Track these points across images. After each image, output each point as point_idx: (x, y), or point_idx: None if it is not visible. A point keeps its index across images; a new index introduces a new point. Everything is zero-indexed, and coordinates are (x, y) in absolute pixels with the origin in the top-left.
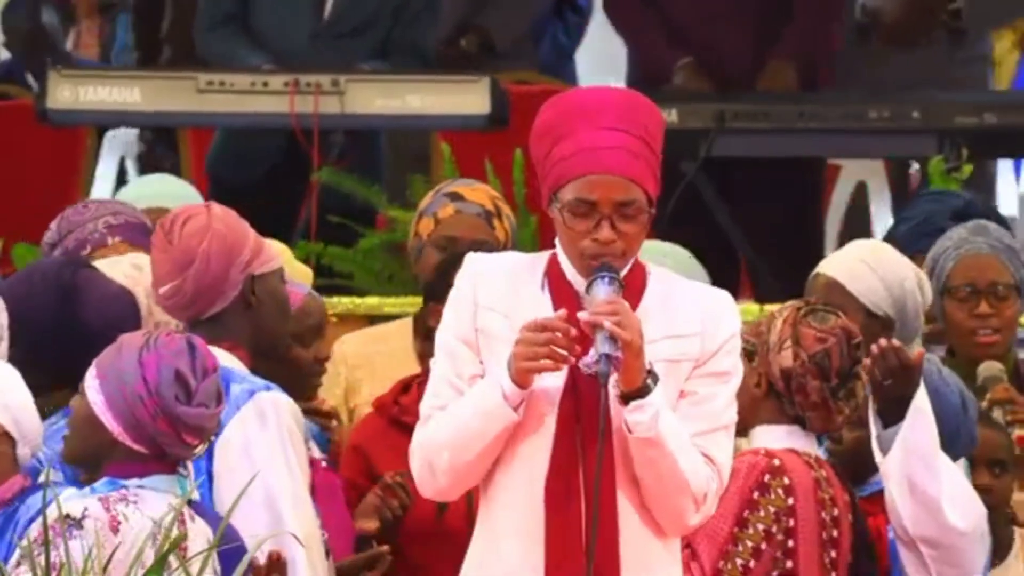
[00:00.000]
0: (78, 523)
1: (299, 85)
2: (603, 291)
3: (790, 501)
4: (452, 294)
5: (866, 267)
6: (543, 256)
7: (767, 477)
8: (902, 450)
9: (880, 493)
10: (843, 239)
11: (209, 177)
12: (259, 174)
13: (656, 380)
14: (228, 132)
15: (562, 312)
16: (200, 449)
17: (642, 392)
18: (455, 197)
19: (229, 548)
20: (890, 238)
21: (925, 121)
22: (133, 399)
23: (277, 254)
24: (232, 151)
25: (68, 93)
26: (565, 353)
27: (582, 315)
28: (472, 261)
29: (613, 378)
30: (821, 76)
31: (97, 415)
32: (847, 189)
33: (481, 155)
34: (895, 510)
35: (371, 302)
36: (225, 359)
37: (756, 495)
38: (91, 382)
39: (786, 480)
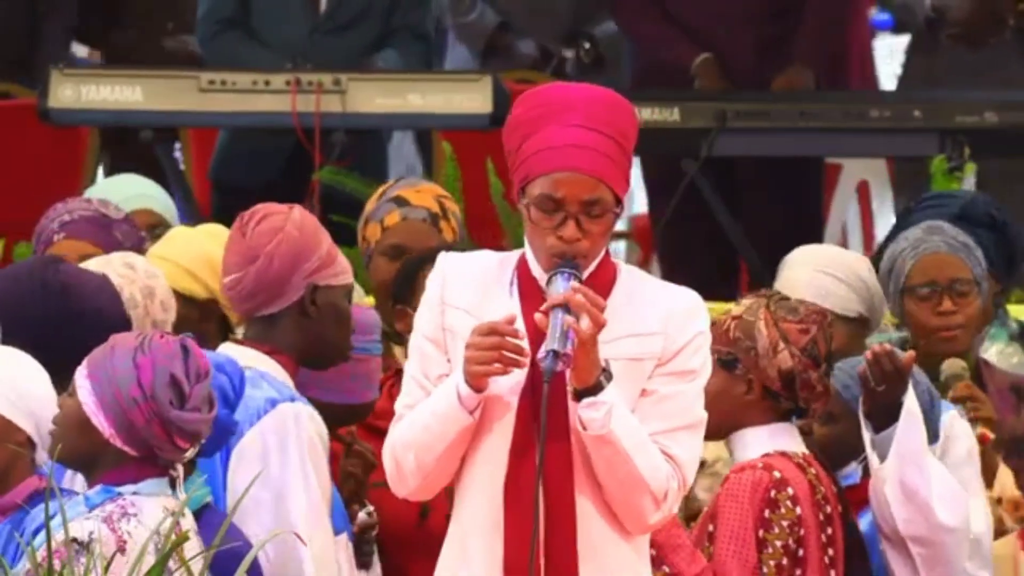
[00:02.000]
0: (85, 547)
1: (300, 84)
2: (561, 287)
3: (798, 511)
4: (424, 294)
5: (827, 277)
6: (513, 255)
7: (773, 492)
8: (896, 455)
9: (849, 488)
10: (844, 238)
11: (212, 184)
12: (264, 179)
13: (610, 378)
14: (231, 137)
15: (511, 315)
16: (190, 452)
17: (595, 389)
18: (400, 202)
19: (230, 548)
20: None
21: (926, 120)
22: (127, 402)
23: (348, 270)
24: (236, 156)
25: (70, 92)
26: (515, 357)
27: (537, 315)
28: (443, 260)
29: (569, 376)
30: (851, 74)
31: (88, 416)
32: (848, 188)
33: (482, 154)
34: (888, 512)
35: (372, 300)
36: (262, 363)
37: (767, 513)
38: (82, 383)
39: (790, 490)
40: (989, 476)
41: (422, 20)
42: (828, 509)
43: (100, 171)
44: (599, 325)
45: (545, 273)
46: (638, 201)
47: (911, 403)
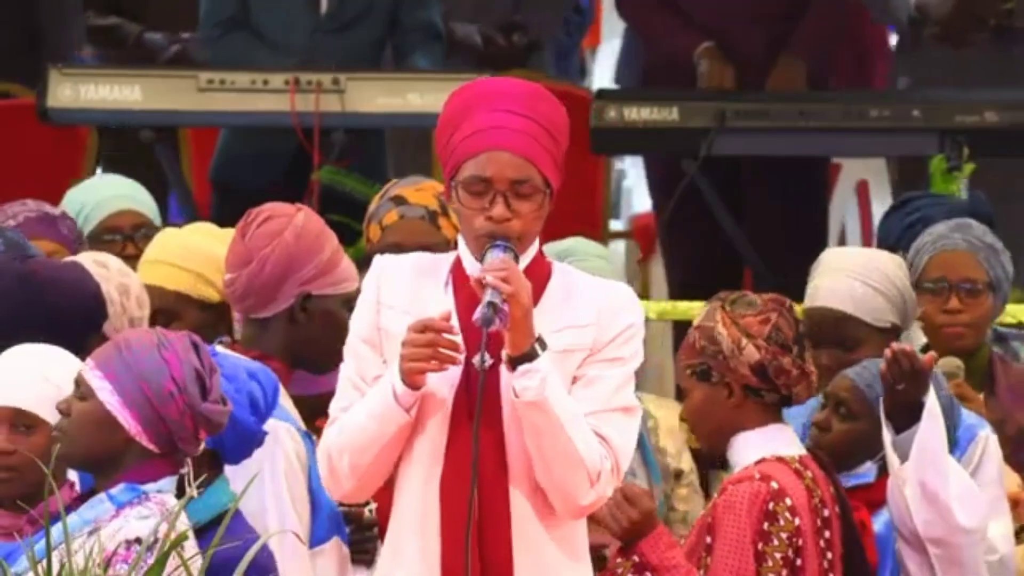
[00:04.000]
0: (150, 547)
1: (300, 83)
2: (496, 256)
3: (797, 522)
4: (360, 296)
5: (865, 287)
6: (449, 255)
7: (771, 505)
8: (917, 457)
9: (863, 487)
10: (843, 238)
11: (213, 184)
12: (266, 180)
13: (544, 347)
14: (233, 138)
15: (446, 311)
16: (202, 446)
17: (529, 357)
18: (399, 201)
19: (228, 548)
20: (886, 239)
21: (926, 120)
22: (161, 397)
23: (351, 278)
24: (238, 157)
25: (69, 92)
26: (450, 353)
27: (473, 280)
28: (378, 262)
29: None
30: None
31: (112, 415)
32: (847, 188)
33: None
34: (907, 514)
35: None
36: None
37: (766, 526)
38: (99, 383)
39: (788, 501)
40: None
41: (434, 19)
42: (826, 512)
43: (100, 170)
44: (520, 303)
45: (477, 261)
46: (638, 201)
47: (932, 404)
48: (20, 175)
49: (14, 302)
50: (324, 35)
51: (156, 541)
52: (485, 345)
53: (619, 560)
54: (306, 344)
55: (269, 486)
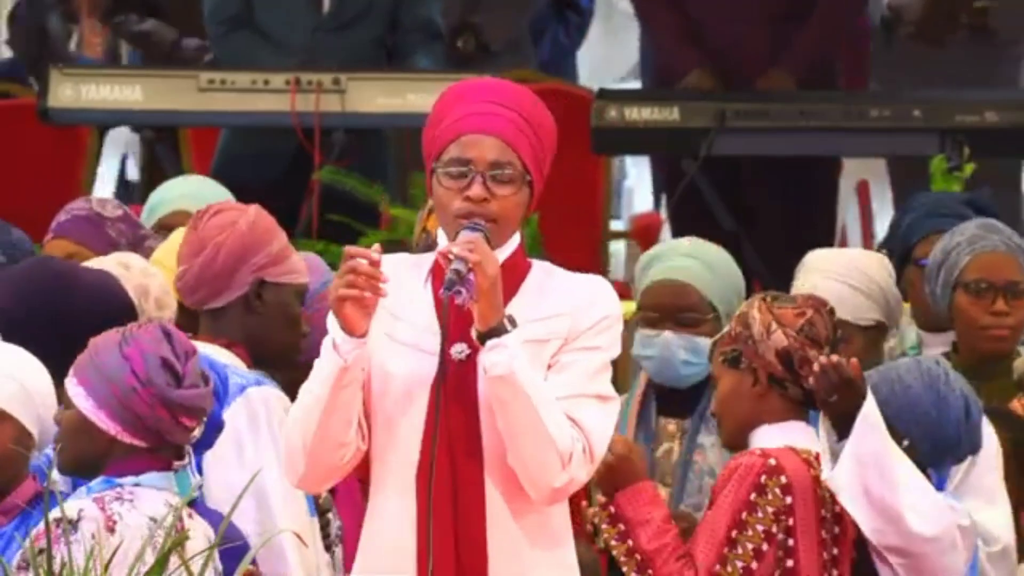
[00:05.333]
0: (74, 525)
1: (300, 84)
2: (468, 236)
3: (788, 500)
4: None
5: (844, 287)
6: (431, 255)
7: (763, 478)
8: (852, 462)
9: None
10: (844, 238)
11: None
12: (267, 179)
13: (514, 324)
14: (234, 137)
15: (376, 246)
16: (197, 432)
17: (498, 332)
18: None
19: (229, 547)
20: (895, 232)
21: (926, 120)
22: (126, 393)
23: (302, 271)
24: (239, 156)
25: (70, 92)
26: (370, 279)
27: (440, 252)
28: None
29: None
30: (846, 78)
31: (90, 419)
32: (847, 188)
33: None
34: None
35: None
36: (221, 355)
37: (753, 496)
38: (75, 390)
39: (783, 479)
40: None
41: (434, 18)
42: (836, 508)
43: (100, 170)
44: (487, 274)
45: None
46: (638, 201)
47: (868, 410)
48: (20, 175)
49: (29, 304)
50: (325, 33)
51: (80, 519)
52: (447, 311)
53: (595, 510)
54: (262, 337)
55: (270, 449)
